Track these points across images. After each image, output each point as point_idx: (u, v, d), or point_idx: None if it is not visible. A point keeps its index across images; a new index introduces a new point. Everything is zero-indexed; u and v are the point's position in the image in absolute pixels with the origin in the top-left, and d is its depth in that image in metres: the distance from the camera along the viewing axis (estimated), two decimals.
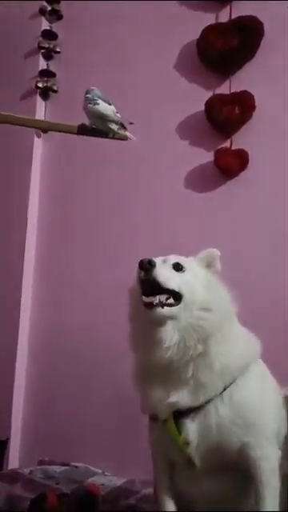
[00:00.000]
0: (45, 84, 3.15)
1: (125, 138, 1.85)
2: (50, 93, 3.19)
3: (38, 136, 3.04)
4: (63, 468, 2.46)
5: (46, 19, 3.25)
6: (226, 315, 1.55)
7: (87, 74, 2.89)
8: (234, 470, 1.49)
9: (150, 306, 1.44)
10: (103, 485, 2.21)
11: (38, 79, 3.15)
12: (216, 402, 1.47)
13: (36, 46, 3.17)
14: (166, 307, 1.46)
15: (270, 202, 2.57)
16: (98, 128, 1.82)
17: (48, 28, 3.22)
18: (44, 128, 2.52)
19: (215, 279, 1.59)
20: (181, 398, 1.47)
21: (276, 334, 2.36)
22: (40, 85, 3.14)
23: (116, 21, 3.04)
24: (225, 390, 1.48)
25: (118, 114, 1.81)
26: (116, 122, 1.80)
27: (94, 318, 2.71)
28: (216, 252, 1.65)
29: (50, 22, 3.25)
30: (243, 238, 2.58)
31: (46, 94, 3.19)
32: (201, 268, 1.59)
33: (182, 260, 1.56)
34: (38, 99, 3.18)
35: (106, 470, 2.51)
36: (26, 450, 2.88)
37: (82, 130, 1.84)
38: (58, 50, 3.17)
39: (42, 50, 3.17)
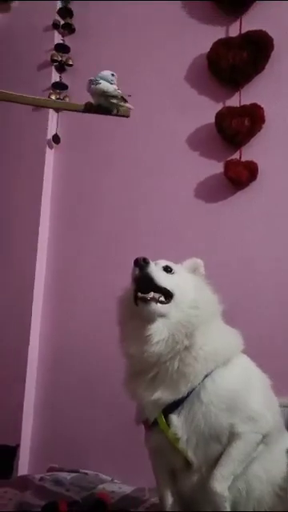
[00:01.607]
0: (58, 96, 3.15)
1: (127, 115, 1.92)
2: (66, 67, 3.21)
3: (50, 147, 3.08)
4: (73, 475, 2.44)
5: (59, 33, 3.27)
6: (212, 312, 1.63)
7: None
8: None
9: (145, 300, 1.52)
10: (113, 492, 2.20)
11: (51, 91, 3.16)
12: (198, 391, 1.51)
13: (49, 58, 3.19)
14: (158, 303, 1.53)
15: (279, 212, 2.56)
16: (102, 105, 1.90)
17: (61, 41, 3.25)
18: (51, 107, 2.61)
19: (201, 281, 1.67)
20: (163, 393, 1.51)
21: (283, 345, 2.35)
22: (53, 97, 3.14)
23: (127, 34, 3.06)
24: (206, 378, 1.52)
25: (119, 90, 1.90)
26: (116, 97, 1.89)
27: (103, 327, 2.66)
28: (199, 261, 1.72)
29: (62, 36, 3.27)
30: (253, 248, 2.57)
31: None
32: (187, 272, 1.67)
33: (170, 264, 1.64)
34: (51, 111, 3.19)
35: (115, 477, 2.49)
36: (36, 457, 2.87)
37: (88, 108, 1.91)
38: (70, 62, 3.19)
39: (55, 63, 3.19)
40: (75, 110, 2.01)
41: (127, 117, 1.93)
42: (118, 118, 2.61)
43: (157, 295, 1.53)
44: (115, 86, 1.88)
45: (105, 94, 1.87)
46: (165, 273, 1.59)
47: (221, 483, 1.47)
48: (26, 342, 2.97)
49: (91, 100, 1.92)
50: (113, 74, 1.93)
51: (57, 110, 3.18)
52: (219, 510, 1.45)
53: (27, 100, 2.12)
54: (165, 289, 1.55)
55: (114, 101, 1.89)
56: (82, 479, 2.40)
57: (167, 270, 1.60)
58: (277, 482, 1.57)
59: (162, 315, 1.53)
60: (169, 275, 1.59)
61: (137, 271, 1.54)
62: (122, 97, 1.89)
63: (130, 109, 1.95)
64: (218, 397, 1.51)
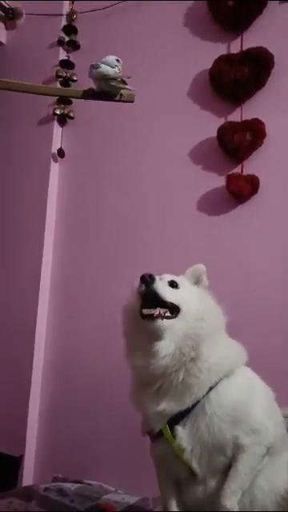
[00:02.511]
0: (62, 111, 3.18)
1: (131, 100, 1.85)
2: (67, 119, 3.22)
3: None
4: (77, 485, 2.43)
5: (64, 49, 3.30)
6: (217, 324, 1.63)
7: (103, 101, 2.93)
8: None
9: (151, 317, 1.52)
10: (117, 503, 2.20)
11: (56, 106, 3.18)
12: (203, 403, 1.51)
13: (54, 74, 3.20)
14: (164, 319, 1.53)
15: (280, 226, 2.56)
16: (103, 90, 1.83)
17: (66, 58, 3.26)
18: (50, 94, 2.49)
19: (206, 293, 1.67)
20: (167, 405, 1.52)
21: (286, 357, 2.35)
22: (57, 112, 3.17)
23: (131, 51, 3.07)
24: (210, 390, 1.52)
25: (120, 74, 1.82)
26: (116, 79, 1.81)
27: (108, 336, 2.69)
28: (202, 267, 1.72)
29: (67, 52, 3.29)
30: (254, 261, 2.58)
31: (63, 120, 3.22)
32: (191, 285, 1.67)
33: (175, 278, 1.64)
34: (55, 125, 3.22)
35: (118, 487, 2.49)
36: (41, 467, 2.87)
37: (88, 94, 1.85)
38: (74, 78, 3.20)
39: (60, 79, 3.20)
40: (74, 97, 1.93)
41: (131, 102, 1.85)
42: (121, 135, 2.64)
43: (162, 311, 1.54)
44: (116, 70, 1.81)
45: (104, 78, 1.80)
46: (170, 288, 1.59)
47: (231, 499, 1.48)
48: (30, 352, 2.97)
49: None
50: (118, 60, 1.86)
51: (61, 121, 3.17)
52: None
53: (27, 88, 2.04)
54: (171, 304, 1.55)
55: (114, 83, 1.81)
56: (86, 490, 2.39)
57: (172, 284, 1.60)
58: (279, 492, 1.58)
59: (168, 330, 1.54)
60: (174, 290, 1.59)
61: (143, 287, 1.55)
62: (121, 79, 1.81)
63: (131, 91, 1.86)
64: (222, 409, 1.51)
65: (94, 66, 1.84)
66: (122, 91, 1.86)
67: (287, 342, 2.39)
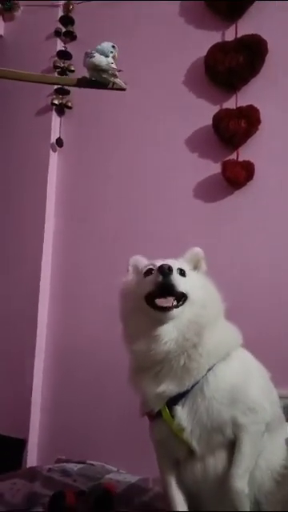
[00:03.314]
0: (60, 101, 3.17)
1: (123, 88, 1.83)
2: (65, 109, 3.20)
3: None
4: (80, 466, 2.45)
5: (61, 40, 3.27)
6: (218, 311, 1.63)
7: (100, 90, 2.91)
8: (230, 446, 1.52)
9: (167, 309, 1.50)
10: (118, 482, 2.21)
11: (54, 96, 3.16)
12: (201, 384, 1.51)
13: (52, 65, 3.18)
14: (174, 308, 1.52)
15: (275, 211, 2.56)
16: (96, 80, 1.81)
17: (63, 48, 3.24)
18: (45, 82, 2.44)
19: (207, 280, 1.65)
20: (167, 387, 1.51)
21: (280, 338, 2.35)
22: (56, 102, 3.16)
23: (127, 40, 3.03)
24: (208, 371, 1.52)
25: (113, 65, 1.79)
26: (107, 71, 1.79)
27: (107, 324, 2.69)
28: (201, 252, 1.70)
29: (64, 43, 3.27)
30: (249, 246, 2.57)
31: (61, 110, 3.21)
32: (191, 269, 1.65)
33: (182, 265, 1.61)
34: (54, 115, 3.20)
35: (120, 467, 2.50)
36: (44, 449, 2.88)
37: (82, 83, 1.84)
38: (72, 69, 3.17)
39: (58, 69, 3.17)
40: (69, 85, 1.92)
41: (123, 90, 1.83)
42: (119, 124, 2.62)
43: (174, 301, 1.52)
44: (110, 59, 1.79)
45: (97, 69, 1.78)
46: (180, 276, 1.55)
47: (240, 481, 1.48)
48: (33, 341, 2.97)
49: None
50: (113, 46, 1.84)
51: (59, 111, 3.17)
52: (241, 509, 1.46)
53: (22, 76, 2.05)
54: (181, 293, 1.53)
55: (105, 75, 1.79)
56: (89, 470, 2.40)
57: (181, 272, 1.57)
58: (276, 469, 1.58)
59: (174, 316, 1.53)
60: (183, 278, 1.56)
61: (160, 278, 1.51)
62: (113, 73, 1.80)
63: (121, 86, 1.85)
64: (220, 391, 1.51)
65: (89, 55, 1.81)
66: (113, 81, 1.84)
67: (280, 324, 2.39)
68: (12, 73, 2.01)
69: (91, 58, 1.80)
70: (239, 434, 1.51)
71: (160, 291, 1.51)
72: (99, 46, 1.82)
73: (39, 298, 3.02)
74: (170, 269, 1.51)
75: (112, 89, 1.85)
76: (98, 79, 1.82)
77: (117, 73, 1.82)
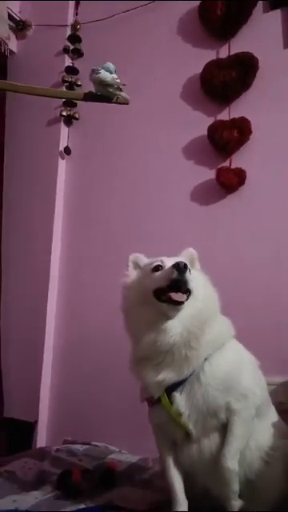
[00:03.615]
0: (68, 112, 3.17)
1: (126, 102, 1.84)
2: (73, 120, 3.20)
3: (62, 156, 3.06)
4: (85, 447, 2.45)
5: (69, 57, 3.27)
6: (216, 306, 1.62)
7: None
8: (223, 429, 1.53)
9: (180, 303, 1.50)
10: (120, 461, 2.21)
11: (63, 108, 3.17)
12: (198, 373, 1.50)
13: (60, 79, 3.18)
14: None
15: (264, 213, 2.56)
16: (101, 94, 1.82)
17: (70, 64, 3.24)
18: (54, 96, 2.47)
19: (206, 278, 1.65)
20: (167, 375, 1.51)
21: (269, 331, 2.35)
22: (64, 113, 3.16)
23: (130, 57, 3.05)
24: (205, 362, 1.52)
25: (118, 80, 1.80)
26: (113, 85, 1.79)
27: (110, 316, 2.70)
28: (195, 252, 1.70)
29: (72, 59, 3.27)
30: (242, 245, 2.57)
31: (69, 121, 3.20)
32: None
33: (187, 263, 1.58)
34: (62, 126, 3.20)
35: (122, 448, 2.50)
36: (52, 431, 2.88)
37: (88, 97, 1.84)
38: (79, 83, 3.18)
39: (66, 84, 3.18)
40: (76, 99, 1.93)
41: (127, 104, 1.83)
42: (122, 133, 2.62)
43: (186, 297, 1.51)
44: (114, 76, 1.79)
45: (103, 83, 1.78)
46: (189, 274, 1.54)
47: (231, 460, 1.48)
48: (42, 332, 2.97)
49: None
50: (111, 72, 1.84)
51: (67, 122, 3.18)
52: (231, 486, 1.47)
53: (36, 91, 2.04)
54: (189, 289, 1.52)
55: (111, 89, 1.79)
56: (93, 450, 2.41)
57: (189, 270, 1.54)
58: (264, 449, 1.58)
59: (180, 311, 1.52)
60: (189, 275, 1.53)
61: (175, 274, 1.49)
62: (118, 86, 1.80)
63: (125, 100, 1.86)
64: (215, 379, 1.51)
65: (95, 71, 1.82)
66: (118, 94, 1.84)
67: (268, 318, 2.39)
68: (25, 87, 2.01)
69: (97, 73, 1.80)
70: (232, 418, 1.51)
71: (174, 287, 1.49)
72: (104, 65, 1.82)
73: (48, 293, 3.03)
74: (185, 266, 1.50)
75: (116, 102, 1.85)
76: (104, 93, 1.83)
77: (121, 87, 1.82)
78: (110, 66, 1.83)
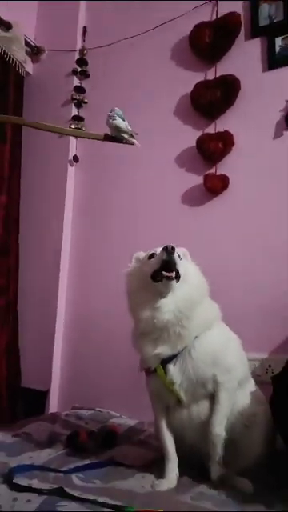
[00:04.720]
0: (76, 126, 3.13)
1: (132, 143, 1.90)
2: None
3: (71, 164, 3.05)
4: (90, 412, 2.45)
5: (77, 78, 3.23)
6: (206, 291, 1.63)
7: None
8: (210, 397, 1.54)
9: (170, 278, 1.51)
10: (120, 425, 2.22)
11: (71, 122, 3.13)
12: (189, 348, 1.52)
13: (70, 97, 3.15)
14: (175, 281, 1.53)
15: (245, 214, 2.55)
16: (115, 136, 1.88)
17: (78, 84, 3.21)
18: (74, 135, 2.48)
19: (197, 268, 1.67)
20: (163, 349, 1.52)
21: (249, 316, 2.35)
22: (73, 127, 3.12)
23: (129, 78, 3.05)
24: (195, 339, 1.53)
25: (129, 127, 1.87)
26: (127, 132, 1.86)
27: (114, 298, 2.70)
28: (185, 250, 1.71)
29: (80, 80, 3.23)
30: (224, 243, 2.56)
31: None
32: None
33: (179, 252, 1.62)
34: (71, 137, 3.15)
35: (122, 413, 2.50)
36: (63, 399, 2.88)
37: (107, 138, 1.90)
38: (86, 100, 3.15)
39: (74, 101, 3.15)
40: (96, 139, 1.99)
41: (132, 144, 1.91)
42: (124, 145, 2.60)
43: (175, 274, 1.53)
44: (126, 123, 1.86)
45: (118, 129, 1.85)
46: (178, 258, 1.57)
47: (219, 426, 1.50)
48: (54, 310, 2.96)
49: (104, 130, 1.91)
50: (124, 119, 1.92)
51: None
52: (217, 448, 1.49)
53: (59, 130, 2.15)
54: (178, 271, 1.54)
55: (126, 136, 1.86)
56: (98, 415, 2.41)
57: (179, 256, 1.59)
58: (245, 414, 1.59)
59: (172, 291, 1.53)
60: (179, 261, 1.57)
61: (165, 256, 1.52)
62: (131, 134, 1.88)
63: (136, 145, 1.93)
64: (204, 354, 1.52)
65: (111, 118, 1.86)
66: (130, 141, 1.91)
67: (247, 304, 2.39)
68: (50, 127, 2.10)
69: (114, 120, 1.85)
70: (218, 389, 1.52)
71: (165, 266, 1.52)
72: (116, 111, 1.87)
73: (59, 280, 3.01)
74: (173, 248, 1.53)
75: (125, 143, 1.91)
76: (118, 137, 1.88)
77: (134, 134, 1.89)
78: (121, 113, 1.88)
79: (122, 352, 2.59)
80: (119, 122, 1.85)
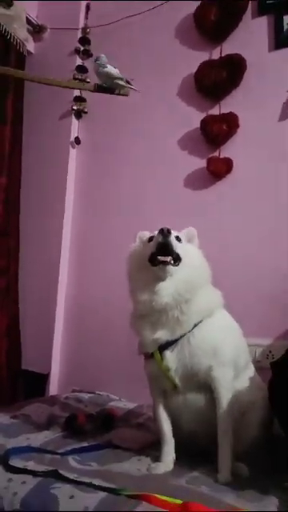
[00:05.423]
0: (78, 107, 3.08)
1: (126, 94, 1.79)
2: (82, 114, 3.12)
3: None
4: (90, 395, 2.46)
5: (80, 57, 3.16)
6: (207, 275, 1.60)
7: (110, 97, 2.84)
8: (205, 386, 1.52)
9: (166, 263, 1.48)
10: (119, 408, 2.22)
11: (73, 103, 3.08)
12: (188, 336, 1.49)
13: (72, 77, 3.07)
14: (170, 265, 1.49)
15: (249, 198, 2.51)
16: (107, 86, 1.76)
17: (81, 64, 3.14)
18: (66, 87, 2.42)
19: (199, 251, 1.64)
20: (162, 334, 1.50)
21: (251, 301, 2.32)
22: (75, 107, 3.08)
23: (133, 58, 2.96)
24: (195, 326, 1.50)
25: (121, 75, 1.76)
26: (121, 79, 1.75)
27: (113, 282, 2.68)
28: (194, 231, 1.68)
29: (82, 59, 3.16)
30: (229, 227, 2.52)
31: (79, 114, 3.12)
32: (187, 242, 1.63)
33: (179, 234, 1.60)
34: (73, 118, 3.12)
35: (121, 397, 2.51)
36: (63, 382, 2.89)
37: (99, 89, 1.79)
38: (88, 80, 3.06)
39: (76, 81, 3.06)
40: (87, 89, 1.88)
41: (126, 95, 1.78)
42: (125, 126, 2.56)
43: (171, 260, 1.50)
44: (117, 70, 1.73)
45: (110, 76, 1.71)
46: (176, 241, 1.55)
47: (224, 423, 1.49)
48: (55, 296, 2.95)
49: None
50: (115, 67, 1.81)
51: (77, 115, 3.10)
52: (224, 447, 1.46)
53: (51, 81, 2.05)
54: (177, 254, 1.52)
55: (120, 82, 1.73)
56: (97, 398, 2.42)
57: (177, 239, 1.56)
58: (243, 401, 1.57)
59: (171, 274, 1.50)
60: (178, 243, 1.55)
61: (160, 238, 1.50)
62: (126, 80, 1.75)
63: (134, 90, 1.78)
64: (202, 343, 1.49)
65: (101, 66, 1.74)
66: (127, 86, 1.77)
67: (251, 289, 2.36)
68: (46, 79, 2.04)
69: (105, 68, 1.73)
70: (215, 386, 1.50)
71: (160, 249, 1.49)
72: (103, 58, 1.75)
73: (60, 262, 2.99)
74: (168, 231, 1.50)
75: (118, 94, 1.79)
76: (111, 85, 1.75)
77: (130, 80, 1.76)
78: (105, 59, 1.76)
79: (122, 335, 2.58)
80: (110, 68, 1.72)
